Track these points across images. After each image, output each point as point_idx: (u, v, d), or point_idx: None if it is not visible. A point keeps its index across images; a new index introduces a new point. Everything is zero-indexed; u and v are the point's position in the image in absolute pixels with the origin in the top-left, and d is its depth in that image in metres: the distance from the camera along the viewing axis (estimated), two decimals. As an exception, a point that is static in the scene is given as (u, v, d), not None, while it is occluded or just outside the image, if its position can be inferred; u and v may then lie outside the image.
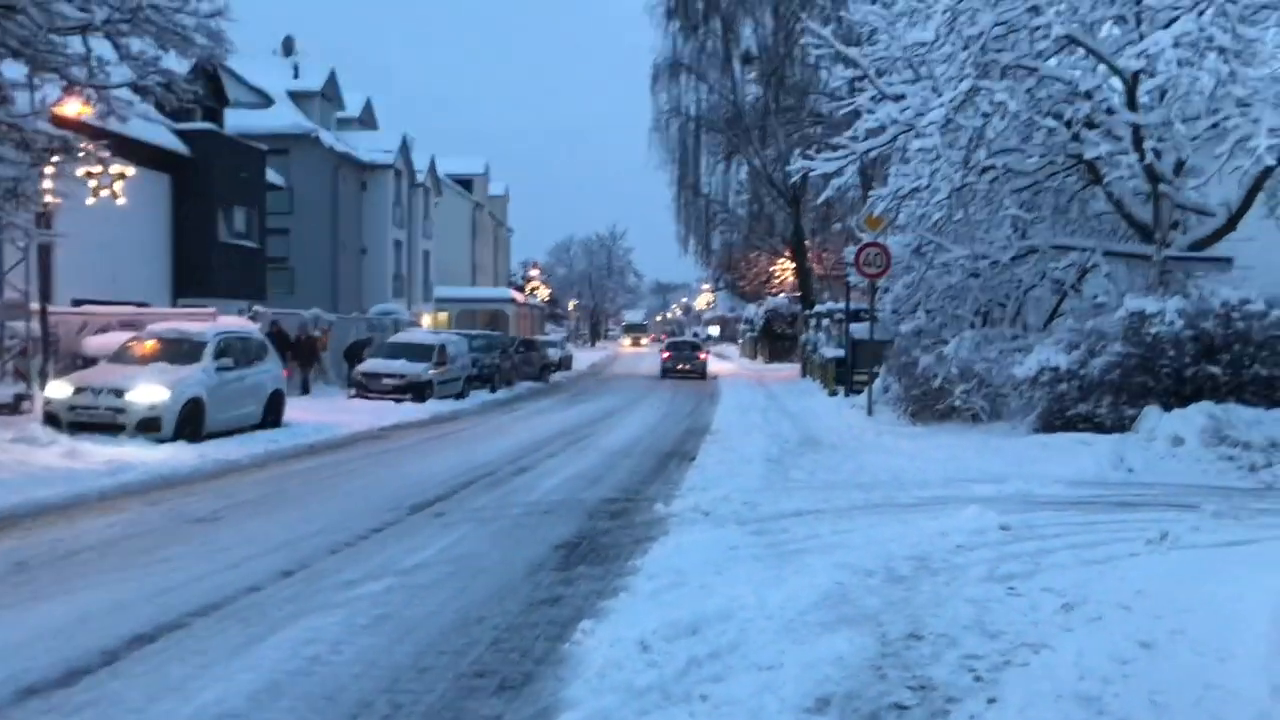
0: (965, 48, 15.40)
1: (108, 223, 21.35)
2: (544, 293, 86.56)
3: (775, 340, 56.32)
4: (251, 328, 20.24)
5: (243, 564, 8.15)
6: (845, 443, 16.92)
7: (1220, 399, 14.07)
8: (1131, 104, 15.91)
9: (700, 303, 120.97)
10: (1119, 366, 14.83)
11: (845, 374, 27.03)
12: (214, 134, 28.90)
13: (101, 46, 14.83)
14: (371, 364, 25.45)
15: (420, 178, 46.76)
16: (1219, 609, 6.08)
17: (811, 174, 20.25)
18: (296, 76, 40.94)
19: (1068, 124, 16.22)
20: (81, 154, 16.21)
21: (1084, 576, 7.11)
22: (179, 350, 16.59)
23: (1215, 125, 14.93)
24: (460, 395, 26.69)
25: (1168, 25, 14.41)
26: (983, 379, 17.69)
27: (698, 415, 24.17)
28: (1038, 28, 15.17)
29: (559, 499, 11.72)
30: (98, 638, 6.17)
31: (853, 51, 19.25)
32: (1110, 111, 16.08)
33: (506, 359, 32.96)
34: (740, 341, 77.44)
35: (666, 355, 45.28)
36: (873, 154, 19.16)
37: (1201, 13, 13.94)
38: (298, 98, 39.66)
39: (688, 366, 43.38)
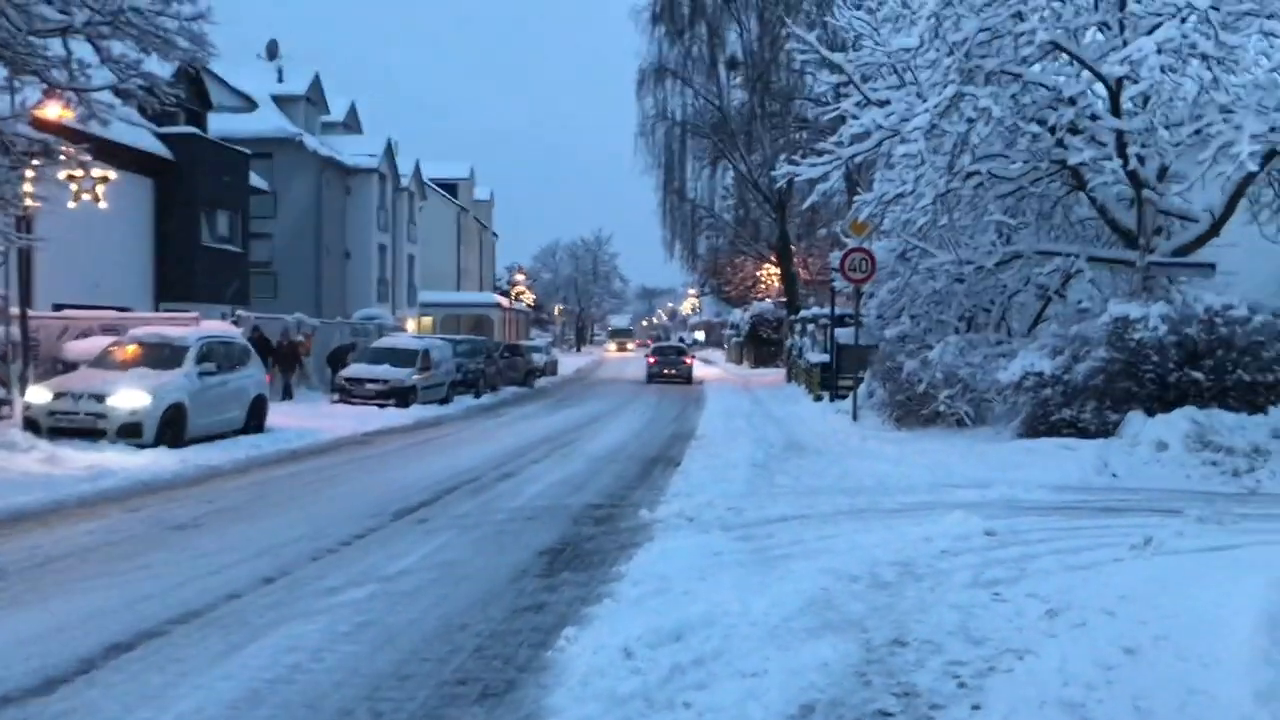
0: (950, 53, 15.44)
1: (89, 227, 21.21)
2: (529, 297, 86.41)
3: (761, 345, 56.36)
4: (234, 332, 20.14)
5: (224, 570, 8.09)
6: (830, 448, 16.92)
7: (1203, 404, 14.12)
8: (1115, 110, 15.97)
9: (686, 307, 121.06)
10: (1103, 372, 14.86)
11: (830, 379, 27.04)
12: (197, 138, 28.75)
13: (82, 49, 14.71)
14: (355, 369, 25.35)
15: (405, 182, 46.65)
16: (1203, 614, 6.07)
17: (797, 179, 20.30)
18: (281, 80, 40.75)
19: (1052, 130, 16.27)
20: (62, 158, 16.07)
21: (1068, 582, 7.11)
22: (161, 355, 16.49)
23: (1198, 131, 14.99)
24: (444, 400, 26.62)
25: (1151, 32, 14.46)
26: (967, 384, 17.72)
27: (683, 420, 24.15)
28: (1022, 34, 15.22)
29: (543, 505, 11.67)
30: (75, 646, 6.10)
31: (838, 57, 19.28)
32: (1094, 117, 16.14)
33: (491, 364, 32.88)
34: (726, 346, 77.48)
35: (652, 360, 45.29)
36: (858, 159, 19.19)
37: (1184, 20, 14.00)
38: (282, 102, 39.48)
39: (673, 371, 43.39)
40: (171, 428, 15.40)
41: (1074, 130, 16.23)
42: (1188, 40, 13.91)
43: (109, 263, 24.94)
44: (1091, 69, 15.77)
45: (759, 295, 59.74)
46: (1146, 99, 15.21)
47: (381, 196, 43.79)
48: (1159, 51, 13.93)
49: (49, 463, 12.88)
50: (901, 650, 5.77)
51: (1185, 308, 14.74)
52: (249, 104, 37.88)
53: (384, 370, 24.80)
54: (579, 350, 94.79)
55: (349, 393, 24.43)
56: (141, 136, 25.71)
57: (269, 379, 20.07)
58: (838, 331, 25.58)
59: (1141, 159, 15.89)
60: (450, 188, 61.81)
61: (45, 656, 5.90)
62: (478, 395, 29.97)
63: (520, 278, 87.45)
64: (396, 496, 11.93)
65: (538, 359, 42.48)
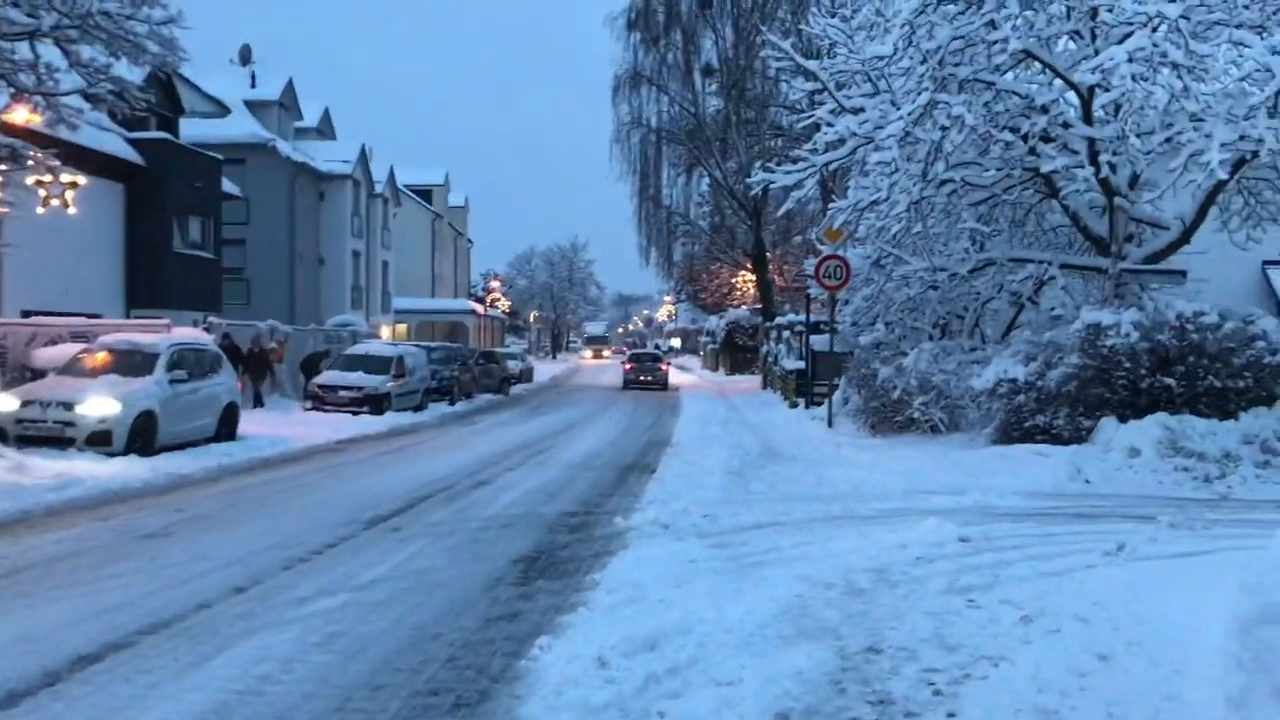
0: (923, 61, 15.52)
1: (59, 232, 21.00)
2: (505, 304, 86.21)
3: (736, 352, 56.46)
4: (206, 339, 19.96)
5: (193, 580, 7.99)
6: (805, 455, 16.95)
7: (1175, 410, 14.22)
8: (1087, 118, 16.09)
9: (662, 314, 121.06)
10: (1075, 378, 14.95)
11: (806, 386, 27.15)
12: (169, 143, 28.52)
13: (50, 53, 14.57)
14: (328, 376, 25.17)
15: (379, 188, 46.51)
16: (1175, 621, 6.10)
17: (772, 186, 20.32)
18: (254, 86, 40.51)
19: (1024, 138, 16.37)
20: (30, 163, 15.92)
21: (1042, 588, 7.13)
22: (131, 362, 16.32)
23: (1169, 140, 15.12)
24: (419, 408, 26.46)
25: (1122, 41, 14.58)
26: (941, 391, 17.78)
27: (659, 427, 24.13)
28: (995, 42, 15.30)
29: (518, 513, 11.61)
30: (40, 658, 6.00)
31: (812, 64, 19.35)
32: (1066, 125, 16.25)
33: (466, 371, 32.75)
34: (702, 353, 77.58)
35: (628, 367, 45.36)
36: (832, 166, 19.26)
37: (1155, 29, 14.12)
38: (255, 107, 39.26)
39: (649, 378, 43.44)
40: (142, 436, 15.24)
41: (1046, 138, 16.34)
42: (1158, 49, 14.03)
43: (79, 269, 24.69)
44: (1064, 77, 15.88)
45: (735, 302, 59.85)
46: (1118, 107, 15.31)
47: (355, 203, 43.61)
48: (1130, 60, 14.04)
49: (16, 471, 12.68)
50: (876, 658, 5.76)
51: (1157, 314, 14.84)
52: (221, 109, 37.65)
53: (358, 377, 24.65)
54: (555, 357, 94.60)
55: (322, 400, 24.26)
56: (112, 141, 25.48)
57: (240, 386, 19.91)
58: (813, 338, 25.69)
59: (1113, 167, 16.00)
60: (425, 194, 61.67)
61: (8, 669, 5.80)
62: (452, 403, 29.84)
63: (495, 284, 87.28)
64: (369, 504, 11.83)
65: (513, 366, 42.37)
